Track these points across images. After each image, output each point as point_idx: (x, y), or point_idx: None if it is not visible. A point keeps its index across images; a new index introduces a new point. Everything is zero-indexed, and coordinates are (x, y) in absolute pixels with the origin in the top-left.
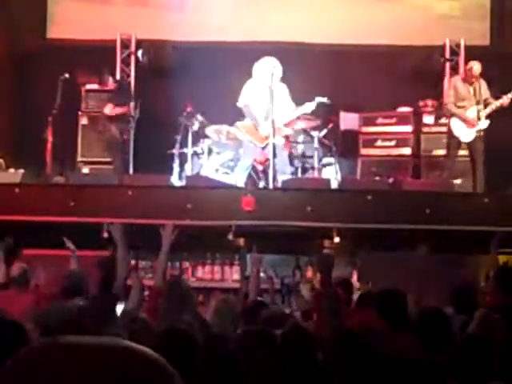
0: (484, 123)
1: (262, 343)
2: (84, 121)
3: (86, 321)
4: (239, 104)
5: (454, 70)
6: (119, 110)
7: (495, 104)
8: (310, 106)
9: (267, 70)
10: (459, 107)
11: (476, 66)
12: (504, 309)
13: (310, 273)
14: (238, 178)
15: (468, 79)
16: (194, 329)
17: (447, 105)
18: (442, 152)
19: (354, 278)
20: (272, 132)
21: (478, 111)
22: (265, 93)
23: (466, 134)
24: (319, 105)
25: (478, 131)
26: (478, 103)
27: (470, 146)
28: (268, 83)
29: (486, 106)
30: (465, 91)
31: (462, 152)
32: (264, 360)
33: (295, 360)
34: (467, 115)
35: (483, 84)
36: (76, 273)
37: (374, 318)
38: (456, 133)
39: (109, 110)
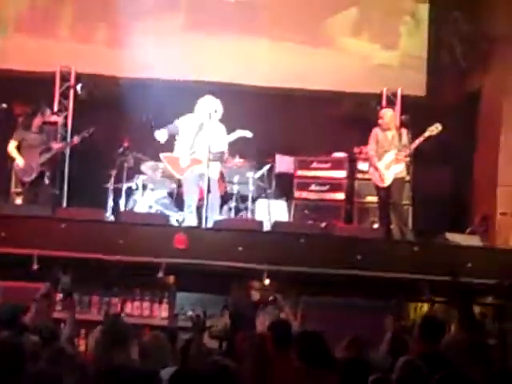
0: (398, 167)
1: None
2: None
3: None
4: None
5: None
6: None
7: (414, 143)
8: (231, 136)
9: (208, 108)
10: (380, 154)
11: (388, 114)
12: (426, 357)
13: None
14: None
15: (384, 127)
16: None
17: (368, 154)
18: (374, 199)
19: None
20: (207, 168)
21: (396, 155)
22: (196, 127)
23: (382, 180)
24: (242, 139)
25: (400, 177)
26: (396, 149)
27: (389, 190)
28: (203, 120)
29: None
30: (384, 139)
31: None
32: None
33: None
34: (379, 167)
35: (405, 133)
36: (11, 305)
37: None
38: (374, 179)
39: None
